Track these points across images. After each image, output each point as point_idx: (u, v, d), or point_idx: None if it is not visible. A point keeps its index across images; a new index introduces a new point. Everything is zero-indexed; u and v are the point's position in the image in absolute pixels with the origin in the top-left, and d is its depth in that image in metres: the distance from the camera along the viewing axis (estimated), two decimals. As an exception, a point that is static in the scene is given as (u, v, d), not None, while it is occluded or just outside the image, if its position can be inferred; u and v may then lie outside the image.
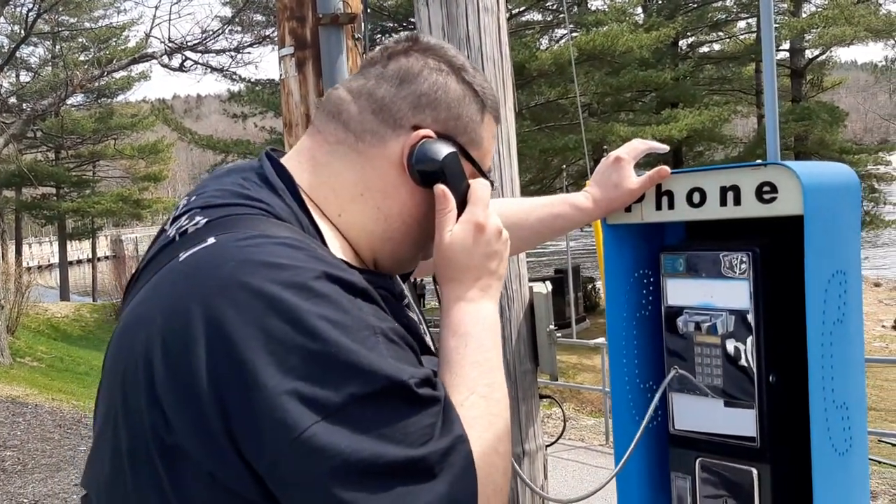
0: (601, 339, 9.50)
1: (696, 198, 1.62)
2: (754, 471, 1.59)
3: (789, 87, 24.60)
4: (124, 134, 34.72)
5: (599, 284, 26.03)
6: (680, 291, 1.67)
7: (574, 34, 21.49)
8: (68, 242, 40.16)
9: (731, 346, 1.60)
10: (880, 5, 23.38)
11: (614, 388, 1.80)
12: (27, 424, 7.45)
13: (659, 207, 1.67)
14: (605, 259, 1.77)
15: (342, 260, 0.99)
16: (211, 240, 0.93)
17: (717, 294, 1.62)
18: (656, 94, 23.81)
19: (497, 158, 2.26)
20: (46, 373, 14.77)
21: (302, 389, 0.83)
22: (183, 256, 0.93)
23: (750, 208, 1.54)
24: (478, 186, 1.10)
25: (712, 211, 1.60)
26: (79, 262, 53.29)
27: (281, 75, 2.85)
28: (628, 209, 1.70)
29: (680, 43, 25.59)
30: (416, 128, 1.07)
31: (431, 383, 0.91)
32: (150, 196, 37.38)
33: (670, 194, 1.65)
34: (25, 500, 5.42)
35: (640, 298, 1.81)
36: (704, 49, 27.52)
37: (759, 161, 1.60)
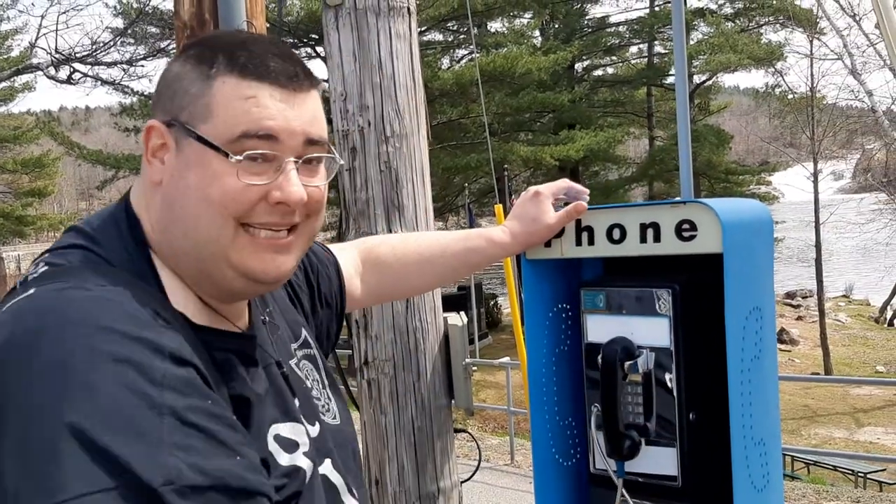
0: (506, 359, 9.56)
1: (616, 234, 1.60)
2: (676, 510, 1.57)
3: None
4: (6, 147, 32.94)
5: (501, 300, 26.34)
6: (600, 327, 1.65)
7: (475, 55, 21.79)
8: (-58, 261, 37.73)
9: (652, 383, 1.59)
10: (761, 35, 24.67)
11: (534, 423, 1.76)
12: None
13: (579, 243, 1.65)
14: (524, 293, 1.73)
15: (161, 314, 0.89)
16: (31, 291, 0.89)
17: (637, 331, 1.60)
18: (554, 116, 24.39)
19: (411, 187, 2.20)
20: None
21: (30, 472, 0.73)
22: (5, 307, 0.89)
23: (669, 245, 1.53)
24: None
25: (632, 248, 1.58)
26: (-46, 281, 50.14)
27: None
28: (548, 244, 1.67)
29: (576, 66, 26.32)
30: None
31: (214, 487, 0.78)
32: (35, 212, 35.58)
33: (590, 230, 1.63)
34: None
35: (560, 333, 1.78)
36: (599, 73, 28.39)
37: (678, 199, 1.60)
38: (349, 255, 1.52)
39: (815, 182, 22.38)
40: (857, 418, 17.22)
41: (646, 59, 27.07)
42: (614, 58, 27.87)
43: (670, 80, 26.42)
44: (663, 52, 26.37)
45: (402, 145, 2.17)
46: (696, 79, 25.84)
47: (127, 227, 1.00)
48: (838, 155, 29.18)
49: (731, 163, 26.77)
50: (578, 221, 1.63)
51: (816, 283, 22.45)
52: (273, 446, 0.96)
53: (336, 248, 1.50)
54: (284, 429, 1.00)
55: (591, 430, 1.67)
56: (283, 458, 0.97)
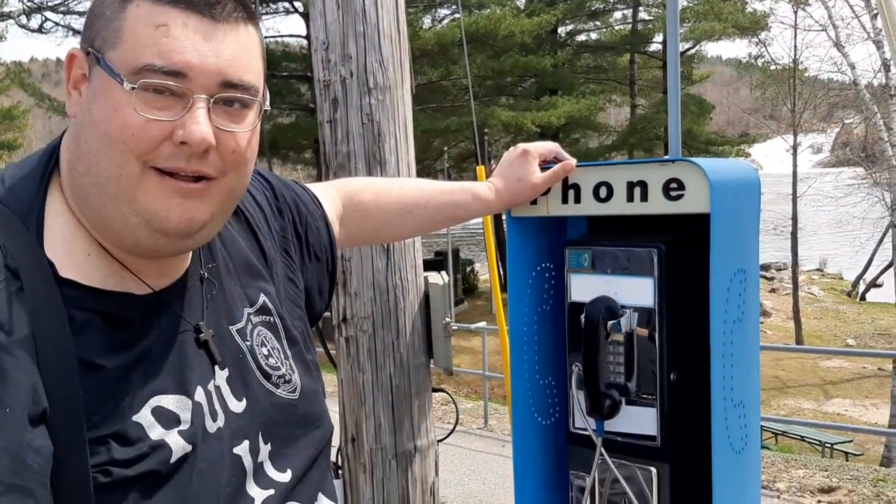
0: (482, 323, 9.58)
1: (603, 192, 1.58)
2: (654, 470, 1.57)
3: (661, 79, 25.56)
4: (-25, 98, 32.23)
5: (478, 267, 26.39)
6: (584, 287, 1.63)
7: (457, 15, 21.54)
8: (-89, 213, 37.07)
9: (634, 343, 1.58)
10: (746, 3, 24.57)
11: (514, 382, 1.75)
12: None
13: (565, 201, 1.62)
14: (508, 252, 1.70)
15: (9, 263, 0.83)
16: None
17: (621, 290, 1.59)
18: (536, 80, 24.22)
19: (394, 142, 2.15)
20: None
21: None
22: None
23: (657, 205, 1.51)
24: None
25: (619, 206, 1.56)
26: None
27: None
28: (534, 202, 1.64)
29: (559, 30, 26.11)
30: None
31: None
32: (3, 165, 34.96)
33: (577, 188, 1.61)
34: None
35: (543, 293, 1.76)
36: (582, 38, 28.20)
37: (666, 157, 1.57)
38: (330, 198, 1.45)
39: (794, 155, 22.49)
40: (825, 390, 17.53)
41: (630, 26, 26.87)
42: (598, 23, 27.65)
43: (654, 47, 26.34)
44: (647, 18, 26.20)
45: (386, 98, 2.11)
46: (680, 46, 25.76)
47: (45, 162, 0.95)
48: (818, 128, 29.34)
49: (712, 133, 26.81)
50: (565, 179, 1.60)
51: (791, 255, 22.67)
52: (148, 418, 0.89)
53: (318, 190, 1.43)
54: (170, 401, 0.92)
55: (572, 390, 1.65)
56: (154, 433, 0.89)
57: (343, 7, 2.06)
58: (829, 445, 11.38)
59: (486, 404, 8.90)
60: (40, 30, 15.70)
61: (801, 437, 11.88)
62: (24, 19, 15.24)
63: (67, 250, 0.91)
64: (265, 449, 1.02)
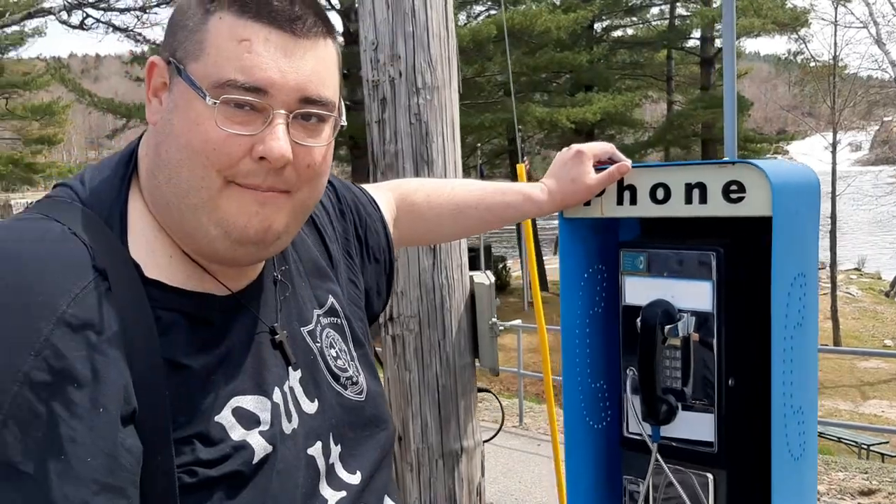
0: (517, 321, 9.55)
1: (660, 194, 1.55)
2: (711, 476, 1.55)
3: (699, 75, 25.30)
4: (16, 93, 32.80)
5: (511, 263, 26.34)
6: (639, 290, 1.61)
7: (492, 11, 21.48)
8: (-46, 206, 37.92)
9: (691, 347, 1.55)
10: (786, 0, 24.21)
11: (566, 386, 1.73)
12: None
13: (620, 202, 1.60)
14: (560, 254, 1.69)
15: (98, 264, 0.84)
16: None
17: (678, 294, 1.56)
18: (571, 76, 24.07)
19: (441, 141, 2.15)
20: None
21: None
22: None
23: (716, 207, 1.48)
24: None
25: (676, 208, 1.53)
26: (-35, 226, 50.36)
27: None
28: (587, 202, 1.62)
29: (595, 26, 25.91)
30: None
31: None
32: (44, 160, 35.58)
33: (632, 189, 1.58)
34: None
35: (595, 295, 1.75)
36: (619, 33, 27.96)
37: (725, 159, 1.54)
38: (385, 200, 1.46)
39: (834, 152, 22.14)
40: (863, 391, 17.25)
41: (667, 21, 26.59)
42: (635, 18, 27.40)
43: (691, 43, 26.04)
44: (685, 14, 25.91)
45: (434, 97, 2.10)
46: (718, 42, 25.44)
47: (124, 165, 0.96)
48: (857, 126, 28.82)
49: (749, 130, 26.43)
50: (620, 180, 1.58)
51: (830, 254, 22.32)
52: (229, 419, 0.90)
53: (374, 192, 1.43)
54: (249, 402, 0.93)
55: (627, 394, 1.63)
56: (236, 433, 0.90)
57: (393, 7, 2.06)
58: (865, 447, 11.20)
59: (522, 402, 8.87)
60: (81, 26, 15.93)
61: (838, 438, 11.71)
62: (64, 15, 15.49)
63: (151, 252, 0.91)
64: (336, 450, 1.02)
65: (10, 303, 0.76)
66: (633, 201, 1.58)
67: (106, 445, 0.76)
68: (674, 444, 1.58)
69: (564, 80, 24.91)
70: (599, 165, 1.58)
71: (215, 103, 0.85)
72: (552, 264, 22.59)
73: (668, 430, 1.58)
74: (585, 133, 22.19)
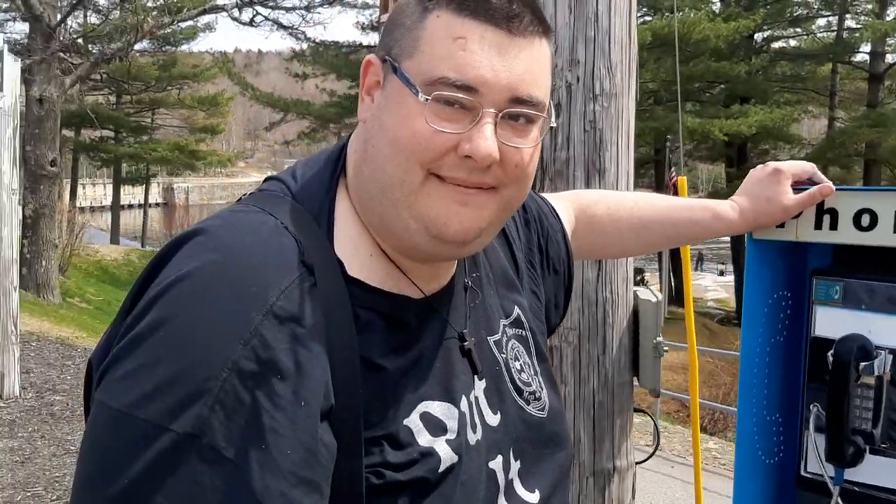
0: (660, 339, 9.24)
1: (866, 220, 1.44)
2: (901, 530, 1.42)
3: (865, 91, 23.81)
4: (186, 84, 34.98)
5: (648, 276, 25.69)
6: (832, 322, 1.50)
7: (647, 18, 21.03)
8: (121, 186, 40.86)
9: (883, 387, 1.43)
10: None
11: (741, 416, 1.64)
12: (76, 369, 7.46)
13: (818, 227, 1.49)
14: (746, 277, 1.59)
15: (306, 260, 0.84)
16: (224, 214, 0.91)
17: (875, 329, 1.45)
18: (726, 87, 23.22)
19: (615, 150, 2.08)
20: (95, 315, 15.00)
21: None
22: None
23: (933, 238, 1.35)
24: None
25: (884, 237, 1.41)
26: (130, 206, 54.24)
27: (380, 41, 2.69)
28: (781, 225, 1.52)
29: (755, 36, 24.87)
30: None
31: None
32: (206, 148, 37.73)
33: (833, 213, 1.47)
34: (72, 447, 5.43)
35: (777, 323, 1.64)
36: (780, 44, 26.73)
37: (945, 186, 1.41)
38: (565, 209, 1.42)
39: None
40: None
41: (834, 34, 25.18)
42: (798, 30, 26.13)
43: (859, 57, 24.54)
44: (855, 26, 24.43)
45: (611, 105, 2.05)
46: (890, 58, 23.87)
47: (333, 162, 0.97)
48: None
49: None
50: (820, 203, 1.47)
51: None
52: (417, 423, 0.88)
53: (553, 201, 1.40)
54: (437, 408, 0.91)
55: (809, 431, 1.53)
56: (423, 439, 0.88)
57: (576, 11, 2.01)
58: None
59: (657, 422, 8.61)
60: (251, 23, 16.79)
61: None
62: (236, 12, 16.36)
63: (354, 250, 0.92)
64: (515, 466, 1.00)
65: (225, 292, 0.78)
66: (833, 226, 1.47)
67: (305, 439, 0.76)
68: (856, 488, 1.47)
69: (719, 91, 24.07)
70: (797, 186, 1.48)
71: (427, 100, 0.85)
72: (695, 281, 21.81)
73: (851, 474, 1.47)
74: (739, 146, 21.34)
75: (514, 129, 0.88)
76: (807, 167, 1.49)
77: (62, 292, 15.38)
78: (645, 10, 22.90)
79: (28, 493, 4.67)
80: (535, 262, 1.24)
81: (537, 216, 1.28)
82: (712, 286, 36.43)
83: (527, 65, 0.88)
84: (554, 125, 0.95)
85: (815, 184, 1.47)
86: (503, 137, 0.87)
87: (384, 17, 2.67)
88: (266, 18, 17.36)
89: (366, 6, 24.56)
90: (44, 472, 5.00)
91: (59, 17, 15.08)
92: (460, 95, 0.85)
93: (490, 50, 0.85)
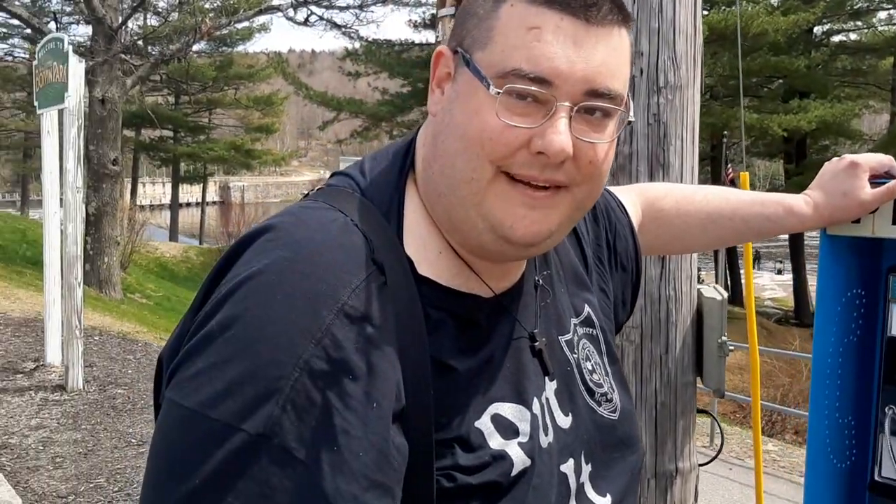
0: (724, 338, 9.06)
1: (949, 215, 1.37)
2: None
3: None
4: (241, 84, 35.55)
5: (704, 275, 25.25)
6: (910, 321, 1.44)
7: (703, 12, 20.65)
8: (180, 185, 41.72)
9: (968, 391, 1.37)
10: None
11: (812, 418, 1.58)
12: (137, 363, 7.63)
13: (896, 222, 1.43)
14: (819, 275, 1.54)
15: (377, 258, 0.82)
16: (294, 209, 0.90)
17: (958, 330, 1.38)
18: (785, 82, 22.69)
19: (679, 144, 2.03)
20: (154, 311, 15.33)
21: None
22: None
23: None
24: None
25: (968, 233, 1.35)
26: (188, 204, 55.33)
27: (438, 37, 2.69)
28: (856, 220, 1.46)
29: (815, 29, 24.25)
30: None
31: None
32: (261, 147, 38.30)
33: (913, 208, 1.41)
34: (133, 440, 5.56)
35: (850, 322, 1.58)
36: (840, 38, 26.02)
37: None
38: (632, 204, 1.38)
39: None
40: None
41: (895, 27, 24.43)
42: (860, 23, 25.39)
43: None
44: (919, 19, 23.67)
45: (675, 97, 1.99)
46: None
47: (401, 157, 0.95)
48: None
49: None
50: (898, 197, 1.41)
51: None
52: (488, 426, 0.86)
53: (620, 195, 1.36)
54: (508, 410, 0.89)
55: (885, 435, 1.47)
56: (494, 441, 0.86)
57: (640, 2, 1.97)
58: None
59: (713, 425, 8.45)
60: (305, 22, 16.97)
61: None
62: (291, 12, 16.55)
63: (423, 247, 0.90)
64: (586, 469, 0.97)
65: (295, 290, 0.76)
66: (912, 222, 1.41)
67: (377, 441, 0.74)
68: (938, 497, 1.41)
69: (777, 86, 23.53)
70: (874, 179, 1.42)
71: (498, 93, 0.81)
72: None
73: (934, 482, 1.41)
74: (798, 141, 20.84)
75: (589, 123, 0.84)
76: (884, 160, 1.43)
77: (123, 288, 15.77)
78: (702, 3, 22.52)
79: (91, 485, 4.78)
80: (604, 259, 1.21)
81: (605, 211, 1.25)
82: (769, 285, 35.71)
83: (605, 56, 0.83)
84: (632, 119, 0.90)
85: (893, 177, 1.41)
86: (578, 132, 0.83)
87: (442, 12, 2.65)
88: (320, 18, 17.52)
89: (418, 4, 24.62)
90: (106, 463, 5.12)
91: (120, 19, 15.44)
92: (533, 88, 0.81)
93: (566, 40, 0.81)
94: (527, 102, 0.82)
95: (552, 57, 0.81)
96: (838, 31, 25.93)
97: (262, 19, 28.53)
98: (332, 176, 0.98)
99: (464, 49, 0.87)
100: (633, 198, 1.42)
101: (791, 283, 26.96)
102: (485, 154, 0.83)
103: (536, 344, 0.95)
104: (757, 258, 42.78)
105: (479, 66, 0.84)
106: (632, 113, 0.89)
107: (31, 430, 5.62)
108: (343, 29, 19.10)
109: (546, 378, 0.95)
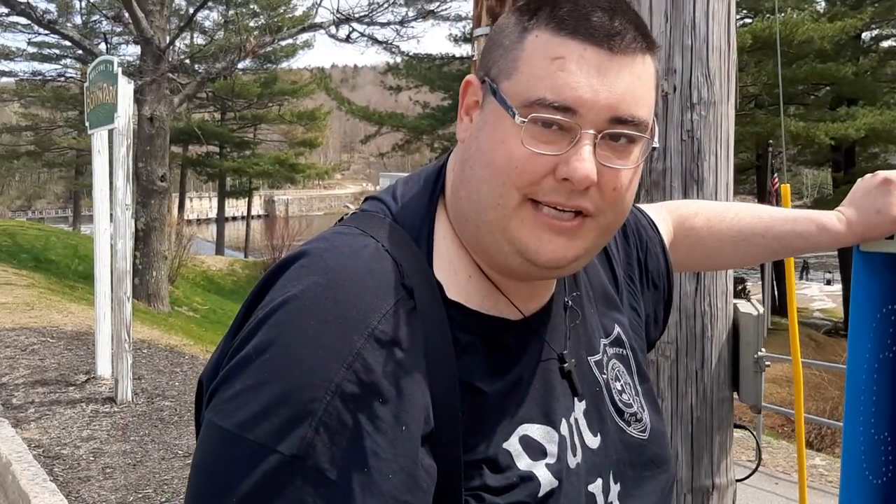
0: (762, 351, 8.93)
1: (984, 231, 1.36)
2: None
3: None
4: (286, 100, 36.10)
5: (750, 286, 24.84)
6: (946, 338, 1.43)
7: (747, 20, 20.43)
8: (226, 199, 42.42)
9: None
10: None
11: (847, 432, 1.57)
12: (184, 375, 7.77)
13: (931, 238, 1.42)
14: (852, 291, 1.53)
15: (406, 283, 0.85)
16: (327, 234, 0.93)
17: None
18: (832, 89, 22.29)
19: (714, 160, 2.04)
20: (201, 323, 15.58)
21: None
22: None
23: None
24: None
25: None
26: (234, 218, 56.21)
27: (473, 56, 2.73)
28: (891, 236, 1.46)
29: (863, 36, 23.80)
30: None
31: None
32: (305, 161, 38.78)
33: (947, 224, 1.40)
34: (180, 451, 5.67)
35: (886, 338, 1.57)
36: (889, 43, 25.49)
37: None
38: (663, 221, 1.39)
39: None
40: None
41: (949, 30, 23.86)
42: (910, 28, 24.85)
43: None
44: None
45: (709, 114, 2.00)
46: None
47: (432, 182, 0.97)
48: None
49: None
50: (933, 212, 1.40)
51: None
52: (516, 447, 0.88)
53: (651, 212, 1.37)
54: (536, 431, 0.90)
55: (921, 452, 1.45)
56: (522, 462, 0.87)
57: (672, 20, 1.98)
58: None
59: (759, 439, 8.31)
60: (347, 39, 17.19)
61: None
62: (333, 29, 16.78)
63: (452, 272, 0.92)
64: (615, 489, 0.98)
65: (328, 315, 0.79)
66: (948, 237, 1.40)
67: (406, 463, 0.76)
68: (979, 516, 1.39)
69: (824, 93, 23.13)
70: None
71: (523, 122, 0.84)
72: (800, 290, 20.98)
73: (973, 500, 1.39)
74: (846, 150, 20.44)
75: (614, 150, 0.86)
76: None
77: (171, 301, 16.06)
78: (745, 12, 22.25)
79: (139, 495, 4.89)
80: (635, 277, 1.22)
81: (636, 229, 1.26)
82: (818, 295, 34.97)
83: (628, 83, 0.85)
84: (656, 146, 0.91)
85: None
86: (603, 159, 0.85)
87: (478, 31, 2.69)
88: (362, 34, 17.74)
89: (458, 18, 24.79)
90: (154, 475, 5.23)
91: (168, 39, 15.80)
92: (558, 117, 0.83)
93: (589, 69, 0.83)
94: (552, 130, 0.84)
95: (576, 86, 0.83)
96: (888, 37, 25.41)
97: (305, 36, 29.03)
98: (365, 200, 1.01)
99: (490, 79, 0.89)
100: (664, 215, 1.43)
101: (840, 293, 26.37)
102: (511, 181, 0.85)
103: (565, 365, 0.97)
104: (805, 268, 41.93)
105: (505, 95, 0.86)
106: (656, 139, 0.90)
107: (83, 442, 5.77)
108: (384, 44, 19.32)
109: (575, 399, 0.97)
